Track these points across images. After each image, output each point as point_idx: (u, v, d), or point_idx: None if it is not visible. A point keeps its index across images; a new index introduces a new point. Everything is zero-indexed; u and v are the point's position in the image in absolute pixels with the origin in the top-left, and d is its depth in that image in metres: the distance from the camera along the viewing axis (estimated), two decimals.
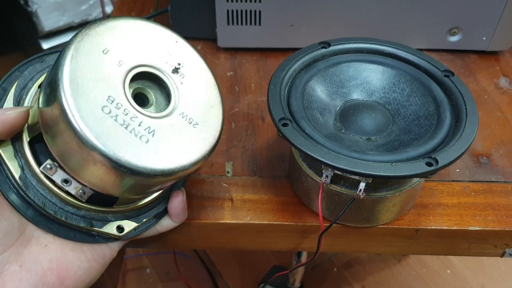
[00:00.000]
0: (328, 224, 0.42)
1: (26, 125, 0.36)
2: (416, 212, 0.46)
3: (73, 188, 0.35)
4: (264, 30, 0.63)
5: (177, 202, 0.41)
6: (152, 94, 0.37)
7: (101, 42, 0.34)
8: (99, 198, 0.37)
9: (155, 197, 0.41)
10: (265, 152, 0.52)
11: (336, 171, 0.38)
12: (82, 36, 0.33)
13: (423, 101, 0.44)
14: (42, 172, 0.35)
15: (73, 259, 0.36)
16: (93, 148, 0.31)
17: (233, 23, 0.63)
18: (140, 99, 0.36)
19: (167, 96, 0.37)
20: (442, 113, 0.42)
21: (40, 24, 1.39)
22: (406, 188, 0.42)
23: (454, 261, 1.15)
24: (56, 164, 0.35)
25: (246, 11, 0.61)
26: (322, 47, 0.48)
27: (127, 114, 0.33)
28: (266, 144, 0.53)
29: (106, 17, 0.35)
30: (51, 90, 0.32)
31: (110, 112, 0.32)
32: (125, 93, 0.34)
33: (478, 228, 0.45)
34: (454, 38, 0.64)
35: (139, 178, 0.33)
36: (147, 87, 0.37)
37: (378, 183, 0.41)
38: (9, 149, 0.35)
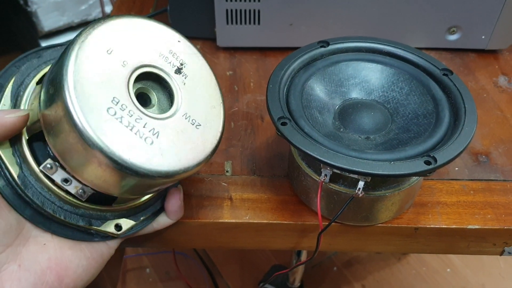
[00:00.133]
0: (327, 223, 0.43)
1: None
2: (415, 211, 0.46)
3: (73, 187, 0.35)
4: (263, 30, 0.63)
5: (175, 200, 0.41)
6: (155, 94, 0.37)
7: (105, 41, 0.33)
8: (98, 197, 0.37)
9: (152, 195, 0.41)
10: (264, 151, 0.52)
11: (335, 170, 0.39)
12: (86, 35, 0.33)
13: (421, 100, 0.44)
14: (41, 171, 0.35)
15: (72, 258, 0.36)
16: (99, 150, 0.31)
17: (232, 23, 0.63)
18: (143, 99, 0.36)
19: (169, 96, 0.37)
20: (441, 111, 0.42)
21: (39, 24, 1.39)
22: (405, 186, 0.42)
23: (454, 259, 1.15)
24: (57, 164, 0.35)
25: (245, 10, 0.61)
26: (321, 46, 0.48)
27: (132, 115, 0.33)
28: (265, 143, 0.53)
29: (108, 16, 0.35)
30: (55, 90, 0.32)
31: (115, 113, 0.32)
32: (129, 94, 0.33)
33: (477, 227, 0.45)
34: (453, 37, 0.64)
35: (143, 180, 0.33)
36: (149, 87, 0.37)
37: (377, 181, 0.41)
38: (7, 147, 0.35)
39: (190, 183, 0.48)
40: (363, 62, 0.47)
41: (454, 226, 0.45)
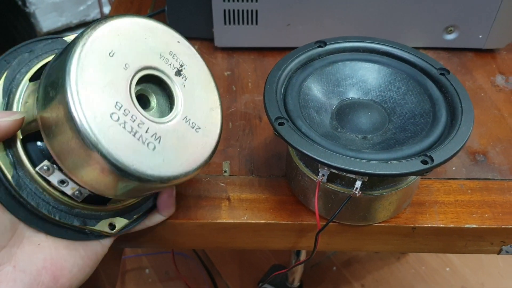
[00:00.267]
0: (325, 223, 0.43)
1: None
2: (413, 210, 0.46)
3: (69, 189, 0.35)
4: (261, 30, 0.63)
5: (167, 196, 0.42)
6: (154, 96, 0.37)
7: (107, 44, 0.33)
8: (93, 198, 0.37)
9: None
10: (262, 151, 0.52)
11: (332, 170, 0.39)
12: (88, 37, 0.32)
13: (418, 99, 0.44)
14: (37, 173, 0.35)
15: (67, 257, 0.36)
16: (102, 157, 0.30)
17: (230, 23, 0.63)
18: (142, 101, 0.36)
19: (168, 98, 0.37)
20: (438, 111, 0.42)
21: (38, 25, 1.39)
22: (402, 186, 0.42)
23: (453, 259, 1.15)
24: (55, 166, 0.34)
25: (242, 10, 0.61)
26: (318, 46, 0.48)
27: (134, 120, 0.33)
28: (263, 143, 0.53)
29: (109, 16, 0.35)
30: (56, 93, 0.31)
31: (118, 119, 0.32)
32: (131, 98, 0.33)
33: (474, 226, 0.45)
34: (450, 36, 0.64)
35: (143, 184, 0.33)
36: (149, 89, 0.37)
37: (374, 181, 0.41)
38: (0, 147, 0.34)
39: (188, 184, 0.49)
40: (360, 62, 0.47)
41: (451, 225, 0.45)
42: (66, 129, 0.31)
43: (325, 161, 0.37)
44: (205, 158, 0.37)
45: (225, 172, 0.50)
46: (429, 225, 0.45)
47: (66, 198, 0.36)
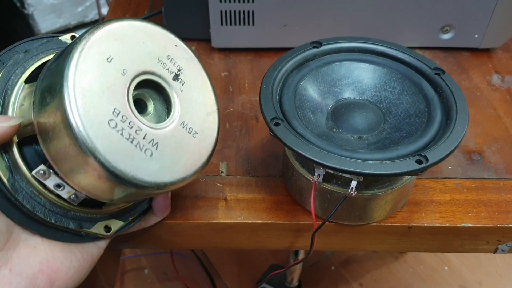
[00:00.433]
0: (321, 223, 0.43)
1: None
2: (409, 210, 0.46)
3: (65, 192, 0.35)
4: (257, 30, 0.63)
5: (162, 199, 0.42)
6: (151, 101, 0.37)
7: (105, 49, 0.33)
8: (89, 201, 0.37)
9: None
10: (259, 151, 0.53)
11: (327, 170, 0.39)
12: (86, 42, 0.32)
13: (414, 99, 0.44)
14: (33, 177, 0.34)
15: (63, 260, 0.36)
16: (100, 164, 0.30)
17: (226, 24, 0.63)
18: (139, 105, 0.36)
19: (165, 102, 0.37)
20: (433, 111, 0.42)
21: (36, 27, 1.39)
22: (397, 186, 0.42)
23: (451, 258, 1.15)
24: (51, 170, 0.34)
25: (239, 11, 0.62)
26: (314, 47, 0.48)
27: (132, 127, 0.33)
28: (260, 143, 0.53)
29: (107, 20, 0.34)
30: (53, 99, 0.31)
31: (116, 126, 0.32)
32: (129, 104, 0.33)
33: (470, 225, 0.45)
34: (446, 36, 0.64)
35: (141, 191, 0.33)
36: (147, 94, 0.37)
37: (370, 181, 0.41)
38: None
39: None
40: (356, 62, 0.47)
41: (447, 225, 0.45)
42: (64, 135, 0.30)
43: (320, 161, 0.37)
44: (202, 163, 0.37)
45: (222, 172, 0.50)
46: (425, 225, 0.45)
47: (62, 202, 0.36)
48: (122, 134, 0.32)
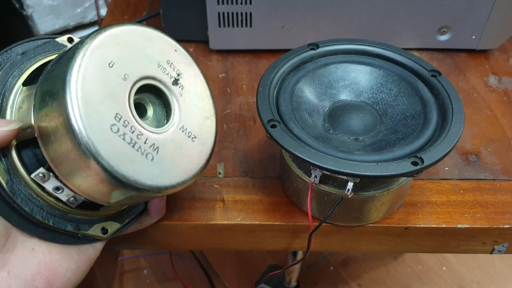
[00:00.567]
0: (318, 224, 0.43)
1: None
2: (405, 211, 0.47)
3: (64, 195, 0.35)
4: (255, 32, 0.64)
5: (158, 201, 0.42)
6: (151, 105, 0.37)
7: (106, 54, 0.33)
8: (87, 203, 0.37)
9: None
10: (256, 153, 0.53)
11: (324, 171, 0.39)
12: (87, 47, 0.32)
13: (410, 101, 0.44)
14: (32, 179, 0.35)
15: (61, 262, 0.36)
16: (102, 169, 0.31)
17: (224, 25, 0.63)
18: (139, 109, 0.36)
19: (164, 106, 0.37)
20: (429, 112, 0.42)
21: (35, 28, 1.39)
22: (394, 187, 0.42)
23: (449, 258, 1.15)
24: (51, 174, 0.34)
25: (237, 13, 0.62)
26: (311, 49, 0.48)
27: (133, 132, 0.33)
28: (258, 145, 0.54)
29: (108, 25, 0.35)
30: (55, 104, 0.31)
31: (118, 131, 0.32)
32: (130, 109, 0.33)
33: (466, 226, 0.46)
34: (443, 37, 0.65)
35: (140, 194, 0.34)
36: (146, 98, 0.37)
37: (366, 182, 0.41)
38: None
39: None
40: (352, 64, 0.47)
41: (444, 226, 0.46)
42: (66, 140, 0.31)
43: (317, 163, 0.37)
44: (200, 167, 0.37)
45: (220, 173, 0.50)
46: (422, 225, 0.46)
47: (60, 204, 0.36)
48: (124, 139, 0.32)
